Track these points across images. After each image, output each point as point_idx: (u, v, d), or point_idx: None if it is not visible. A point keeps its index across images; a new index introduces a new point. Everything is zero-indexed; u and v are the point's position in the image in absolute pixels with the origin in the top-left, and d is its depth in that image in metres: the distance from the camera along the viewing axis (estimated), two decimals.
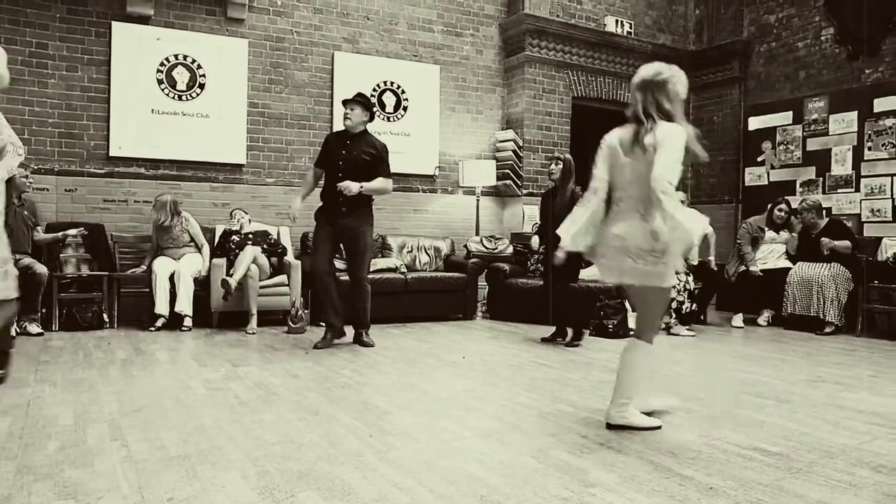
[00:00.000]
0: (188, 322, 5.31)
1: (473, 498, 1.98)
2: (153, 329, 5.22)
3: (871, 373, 4.09)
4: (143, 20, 5.92)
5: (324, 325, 4.92)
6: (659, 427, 2.70)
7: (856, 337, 5.58)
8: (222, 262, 5.50)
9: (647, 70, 2.64)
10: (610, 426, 2.70)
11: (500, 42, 7.61)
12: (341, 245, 4.77)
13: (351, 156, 4.54)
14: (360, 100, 4.61)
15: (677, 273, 5.64)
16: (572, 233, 2.74)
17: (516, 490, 2.05)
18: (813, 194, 6.90)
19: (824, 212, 6.37)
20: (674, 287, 5.61)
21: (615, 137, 2.66)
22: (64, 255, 5.36)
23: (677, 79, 2.60)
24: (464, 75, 7.42)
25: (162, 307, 5.28)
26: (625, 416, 2.67)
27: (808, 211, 6.04)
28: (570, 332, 5.05)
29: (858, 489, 2.10)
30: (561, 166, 5.02)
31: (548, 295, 5.33)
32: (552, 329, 5.19)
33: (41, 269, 5.00)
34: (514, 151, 7.30)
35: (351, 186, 4.43)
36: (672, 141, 2.46)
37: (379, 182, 4.61)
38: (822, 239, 5.84)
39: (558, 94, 7.58)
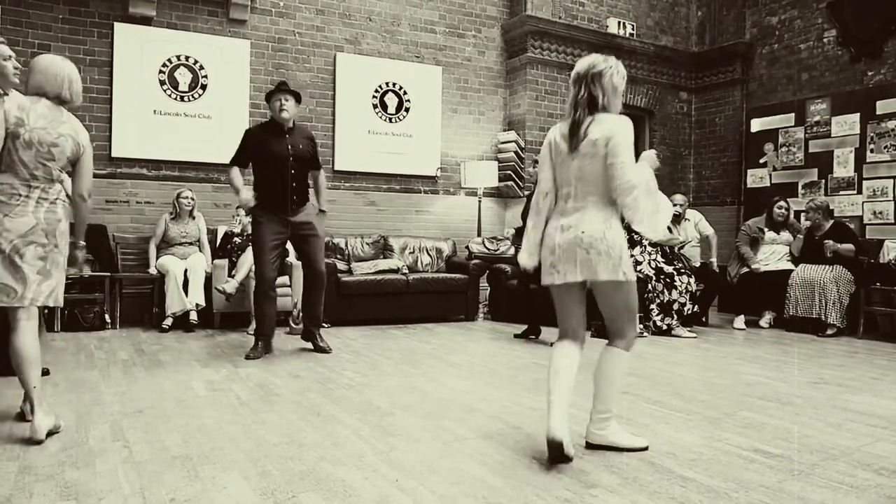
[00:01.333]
0: (194, 316, 5.35)
1: (475, 499, 1.98)
2: (166, 327, 5.21)
3: (873, 375, 4.08)
4: (145, 21, 5.93)
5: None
6: (646, 448, 2.46)
7: (857, 339, 5.57)
8: (224, 263, 5.51)
9: (583, 63, 2.49)
10: (590, 445, 2.47)
11: (502, 43, 7.61)
12: (288, 244, 4.68)
13: (298, 150, 4.39)
14: (293, 90, 4.45)
15: (679, 272, 5.73)
16: (529, 252, 2.59)
17: (518, 491, 2.04)
18: (820, 196, 6.88)
19: (831, 213, 6.36)
20: (675, 288, 5.70)
21: (556, 133, 2.51)
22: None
23: (615, 70, 2.45)
24: (466, 76, 7.42)
25: (175, 305, 5.29)
26: (605, 435, 2.45)
27: (814, 211, 6.03)
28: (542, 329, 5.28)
29: (860, 491, 2.09)
30: None
31: (537, 295, 5.35)
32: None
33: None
34: (515, 153, 7.31)
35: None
36: (624, 136, 2.36)
37: (323, 181, 4.71)
38: (826, 242, 5.83)
39: (560, 96, 7.58)
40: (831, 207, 6.33)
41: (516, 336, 5.40)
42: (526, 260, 2.61)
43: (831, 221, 6.09)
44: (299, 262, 5.75)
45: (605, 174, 2.36)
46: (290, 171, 4.34)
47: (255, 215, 4.37)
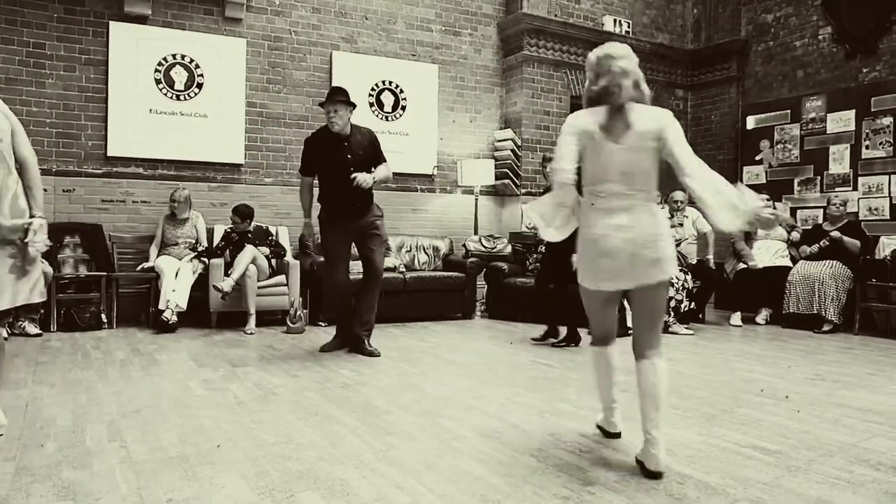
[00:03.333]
0: (168, 315, 5.15)
1: (473, 497, 1.98)
2: (171, 322, 5.15)
3: (869, 371, 4.09)
4: (140, 20, 5.91)
5: (329, 325, 4.85)
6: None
7: (853, 335, 5.59)
8: (221, 261, 5.50)
9: (616, 48, 2.34)
10: (661, 475, 2.16)
11: (499, 41, 7.60)
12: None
13: (357, 158, 4.30)
14: (343, 99, 4.25)
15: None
16: (553, 228, 2.45)
17: (516, 489, 2.05)
18: (815, 192, 6.90)
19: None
20: (672, 285, 5.70)
21: (588, 121, 2.32)
22: (62, 255, 5.36)
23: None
24: (462, 75, 7.42)
25: (161, 303, 5.27)
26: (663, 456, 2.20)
27: (837, 206, 6.06)
28: (562, 331, 4.99)
29: (857, 487, 2.10)
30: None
31: (541, 294, 5.25)
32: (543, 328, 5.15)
33: (46, 268, 4.99)
34: (512, 151, 7.31)
35: (367, 178, 4.22)
36: (678, 124, 2.32)
37: (385, 170, 4.49)
38: (833, 232, 5.87)
39: (556, 94, 7.58)
40: (822, 206, 6.34)
41: (534, 340, 5.07)
42: (555, 234, 2.47)
43: (845, 220, 6.11)
44: (297, 262, 5.78)
45: (652, 168, 2.28)
46: (350, 179, 4.16)
47: (322, 222, 4.41)
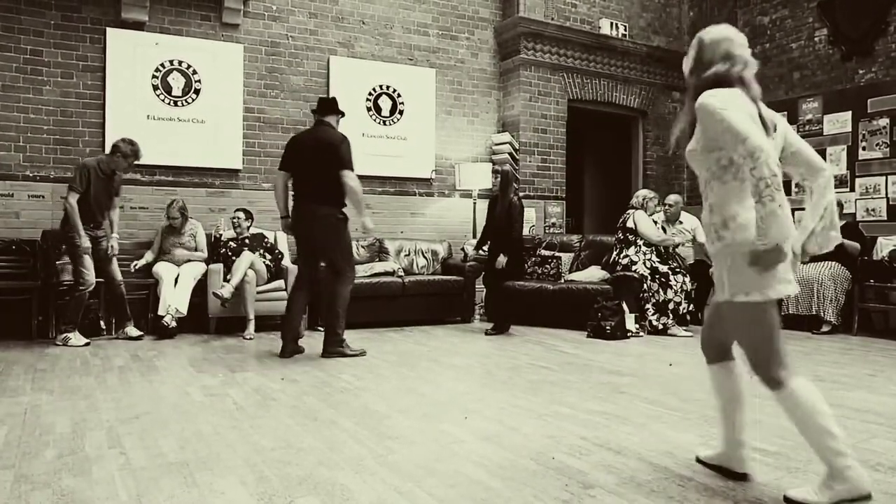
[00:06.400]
0: (167, 320, 5.16)
1: (473, 501, 1.98)
2: (171, 327, 5.16)
3: (868, 371, 4.09)
4: (137, 26, 5.92)
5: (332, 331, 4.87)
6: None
7: (852, 336, 5.60)
8: (219, 267, 5.49)
9: (739, 32, 2.13)
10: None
11: (496, 45, 7.62)
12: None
13: None
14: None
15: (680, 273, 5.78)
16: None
17: (516, 493, 2.04)
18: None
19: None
20: (670, 287, 5.72)
21: (746, 102, 2.00)
22: (60, 262, 5.34)
23: None
24: (459, 79, 7.43)
25: (161, 308, 5.26)
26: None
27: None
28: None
29: None
30: (499, 179, 5.71)
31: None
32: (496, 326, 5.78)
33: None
34: (510, 154, 7.32)
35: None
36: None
37: None
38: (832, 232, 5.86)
39: (554, 97, 7.60)
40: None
41: (487, 333, 5.68)
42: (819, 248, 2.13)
43: (843, 221, 6.09)
44: (295, 266, 5.76)
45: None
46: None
47: (345, 218, 4.52)
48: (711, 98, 1.98)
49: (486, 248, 5.95)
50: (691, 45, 2.18)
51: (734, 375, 2.21)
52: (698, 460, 2.33)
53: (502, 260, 5.51)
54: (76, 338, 4.85)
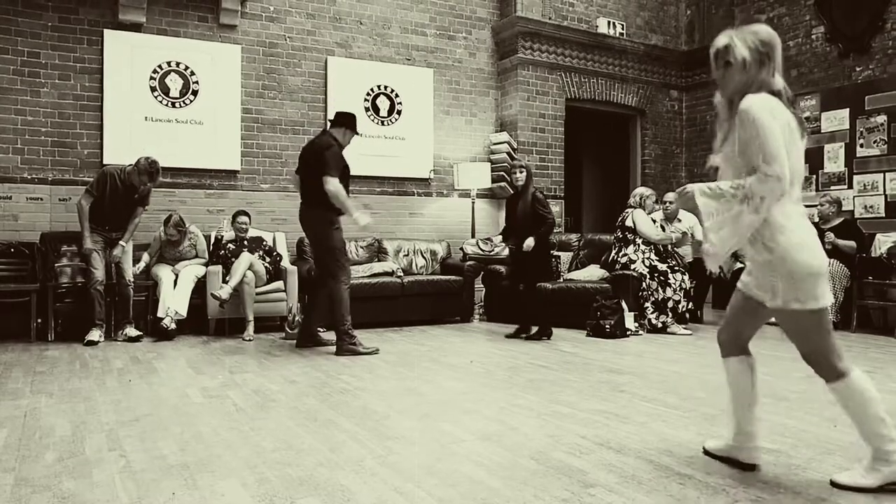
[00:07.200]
0: (167, 322, 5.16)
1: (474, 500, 1.98)
2: (170, 329, 5.15)
3: (867, 368, 4.09)
4: (135, 28, 5.91)
5: (328, 330, 4.96)
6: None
7: (851, 333, 5.61)
8: (218, 269, 5.49)
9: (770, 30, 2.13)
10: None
11: (493, 45, 7.62)
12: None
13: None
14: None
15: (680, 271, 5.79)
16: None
17: (516, 492, 2.05)
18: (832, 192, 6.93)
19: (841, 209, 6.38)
20: (669, 286, 5.72)
21: (784, 109, 2.05)
22: (59, 264, 5.34)
23: None
24: (457, 78, 7.43)
25: (160, 310, 5.26)
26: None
27: (830, 204, 6.10)
28: (533, 329, 5.40)
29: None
30: (524, 174, 5.39)
31: (514, 294, 5.74)
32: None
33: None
34: (508, 153, 7.32)
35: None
36: None
37: None
38: (828, 233, 5.87)
39: (552, 96, 7.60)
40: (814, 205, 6.31)
41: (508, 336, 5.49)
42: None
43: (841, 218, 6.11)
44: (294, 268, 5.78)
45: None
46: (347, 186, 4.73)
47: (334, 222, 4.62)
48: (755, 106, 2.00)
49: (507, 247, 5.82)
50: (743, 38, 2.11)
51: (751, 369, 2.27)
52: (705, 451, 2.40)
53: (530, 242, 5.17)
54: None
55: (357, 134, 4.86)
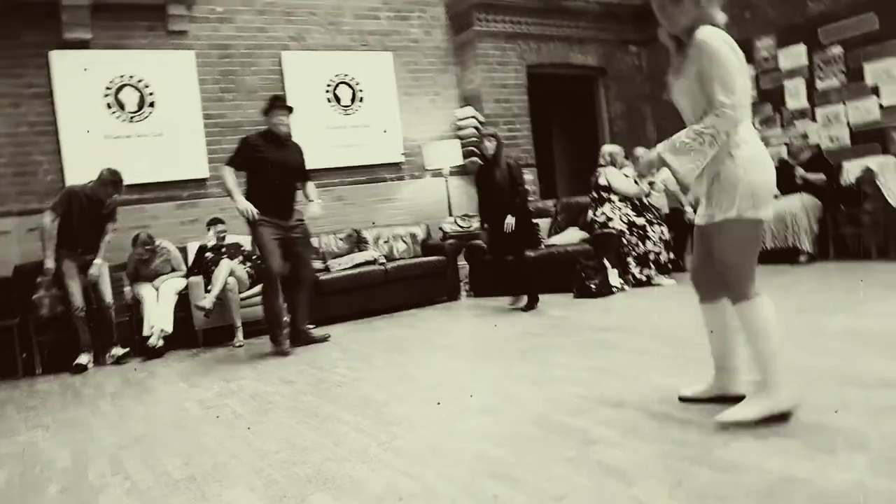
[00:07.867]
0: (153, 340, 5.12)
1: (482, 474, 2.01)
2: (157, 347, 5.10)
3: (847, 296, 4.19)
4: (82, 45, 5.75)
5: (276, 333, 4.72)
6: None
7: (829, 262, 5.72)
8: (199, 279, 5.43)
9: None
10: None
11: (448, 20, 7.55)
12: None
13: (295, 161, 4.79)
14: (289, 106, 4.81)
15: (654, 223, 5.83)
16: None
17: (522, 458, 2.08)
18: (777, 128, 7.03)
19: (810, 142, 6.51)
20: (649, 238, 5.78)
21: (730, 39, 2.30)
22: (37, 295, 5.22)
23: None
24: (415, 59, 7.36)
25: (145, 329, 5.21)
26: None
27: (798, 138, 6.28)
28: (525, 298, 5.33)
29: (847, 408, 2.16)
30: (494, 142, 5.36)
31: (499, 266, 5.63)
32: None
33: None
34: (475, 128, 7.29)
35: (318, 210, 4.80)
36: None
37: (312, 186, 4.93)
38: (797, 168, 5.97)
39: (512, 65, 7.56)
40: (784, 142, 6.42)
41: (521, 309, 5.29)
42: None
43: (811, 151, 6.21)
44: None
45: None
46: (287, 180, 4.70)
47: (255, 220, 4.55)
48: (713, 38, 2.23)
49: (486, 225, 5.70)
50: None
51: (728, 311, 2.32)
52: (682, 399, 2.44)
53: (511, 221, 5.18)
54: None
55: (285, 108, 4.72)
